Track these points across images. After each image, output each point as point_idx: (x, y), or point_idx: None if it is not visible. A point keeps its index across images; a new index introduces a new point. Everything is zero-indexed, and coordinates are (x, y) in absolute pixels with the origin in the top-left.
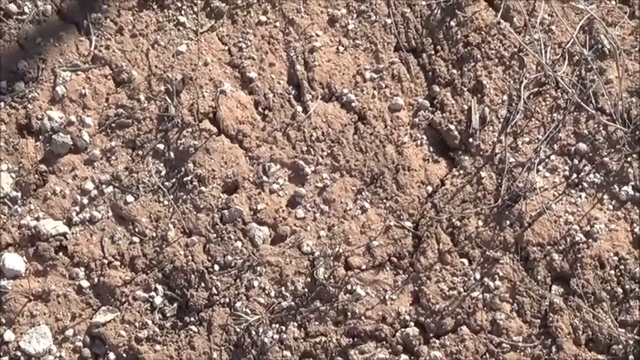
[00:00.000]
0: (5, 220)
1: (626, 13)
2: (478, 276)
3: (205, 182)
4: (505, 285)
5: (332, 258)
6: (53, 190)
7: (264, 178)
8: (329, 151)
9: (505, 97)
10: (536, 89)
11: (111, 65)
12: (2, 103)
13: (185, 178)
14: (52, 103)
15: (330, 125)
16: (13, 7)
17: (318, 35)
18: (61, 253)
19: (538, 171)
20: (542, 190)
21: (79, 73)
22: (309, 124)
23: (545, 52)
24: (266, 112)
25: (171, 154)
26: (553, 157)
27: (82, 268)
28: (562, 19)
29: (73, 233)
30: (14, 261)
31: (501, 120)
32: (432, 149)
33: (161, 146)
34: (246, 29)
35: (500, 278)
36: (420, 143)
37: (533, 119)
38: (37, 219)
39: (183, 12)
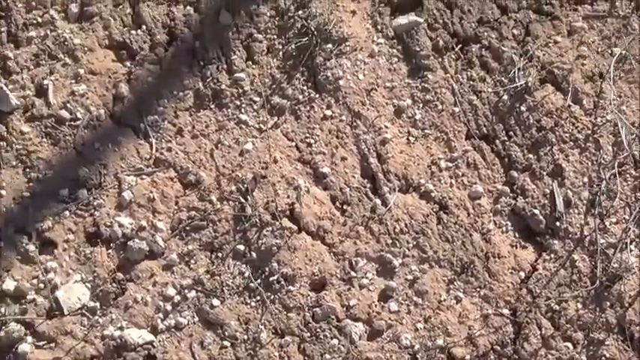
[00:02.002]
0: (87, 332)
1: None
2: (585, 359)
3: (292, 281)
4: None
5: (436, 350)
6: (134, 297)
7: (352, 273)
8: (415, 243)
9: (585, 179)
10: (615, 170)
11: (175, 167)
12: (67, 212)
13: (271, 278)
14: (120, 209)
15: (412, 217)
16: (65, 114)
17: (386, 127)
18: None
19: (631, 250)
20: (638, 269)
21: (143, 177)
22: (391, 217)
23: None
24: (344, 206)
25: (253, 255)
26: None
27: None
28: (631, 99)
29: (160, 341)
30: None
31: (585, 202)
32: (517, 235)
33: (241, 247)
34: (312, 124)
35: None
36: (505, 230)
37: (617, 199)
38: (121, 329)
39: (243, 110)
